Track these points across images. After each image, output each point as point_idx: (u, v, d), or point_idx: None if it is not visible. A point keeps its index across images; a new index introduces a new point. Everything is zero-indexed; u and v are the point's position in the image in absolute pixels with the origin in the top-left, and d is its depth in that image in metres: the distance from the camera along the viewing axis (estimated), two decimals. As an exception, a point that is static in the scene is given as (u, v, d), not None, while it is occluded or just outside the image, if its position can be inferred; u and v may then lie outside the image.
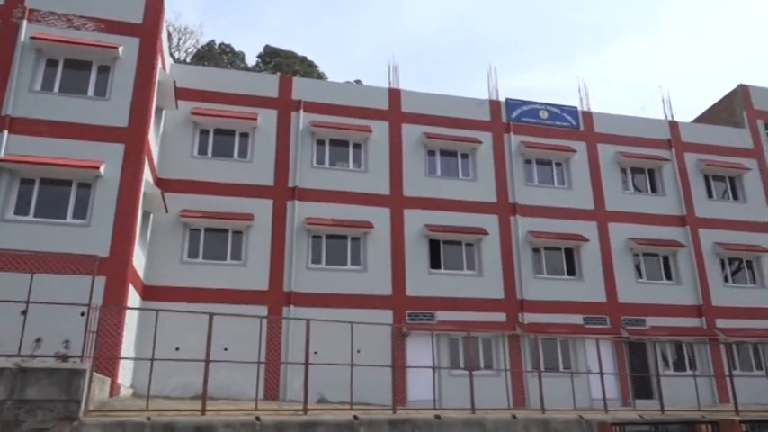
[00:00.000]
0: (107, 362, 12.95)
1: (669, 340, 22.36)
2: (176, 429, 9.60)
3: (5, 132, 15.53)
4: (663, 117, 26.78)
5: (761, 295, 24.37)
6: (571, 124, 25.07)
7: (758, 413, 15.68)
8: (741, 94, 28.06)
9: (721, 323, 23.22)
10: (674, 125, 26.48)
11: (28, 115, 15.96)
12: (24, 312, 10.16)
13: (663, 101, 27.61)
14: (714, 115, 29.29)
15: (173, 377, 15.04)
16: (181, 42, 42.28)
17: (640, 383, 21.40)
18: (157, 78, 18.00)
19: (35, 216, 15.29)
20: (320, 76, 42.69)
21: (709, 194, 25.71)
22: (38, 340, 11.19)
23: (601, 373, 15.85)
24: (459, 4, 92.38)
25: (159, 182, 19.19)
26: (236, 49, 45.00)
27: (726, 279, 24.44)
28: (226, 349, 14.77)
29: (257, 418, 10.28)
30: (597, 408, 16.28)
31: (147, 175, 17.12)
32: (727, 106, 28.81)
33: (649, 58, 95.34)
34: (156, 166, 19.26)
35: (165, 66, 20.11)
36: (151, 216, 18.66)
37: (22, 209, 15.28)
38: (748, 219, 25.46)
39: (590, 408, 16.93)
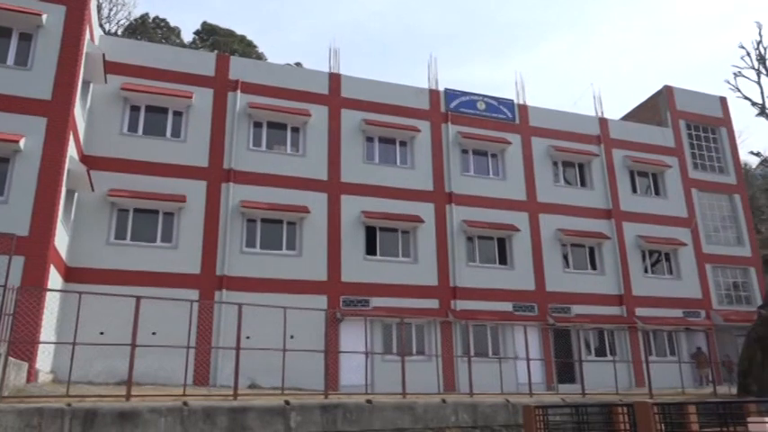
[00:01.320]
0: (24, 346, 12.30)
1: (592, 328, 23.44)
2: (99, 416, 9.26)
3: None
4: (593, 113, 27.80)
5: (677, 286, 25.88)
6: (507, 116, 25.63)
7: (670, 396, 16.70)
8: (666, 95, 29.49)
9: (640, 312, 24.52)
10: (603, 122, 27.54)
11: (-61, 82, 14.83)
12: (-69, 293, 9.51)
13: (594, 97, 28.72)
14: (640, 114, 30.69)
15: (96, 362, 14.49)
16: (112, 14, 40.30)
17: (564, 368, 22.34)
18: (85, 50, 17.08)
19: (-54, 191, 14.27)
20: (259, 57, 41.75)
21: (634, 189, 26.96)
22: (-53, 323, 10.47)
23: (527, 359, 16.47)
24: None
25: (85, 159, 18.30)
26: (172, 24, 43.34)
27: (645, 270, 25.78)
28: (154, 334, 14.38)
29: (185, 404, 10.05)
30: (523, 392, 16.88)
31: (71, 152, 16.29)
32: (652, 106, 30.23)
33: (581, 56, 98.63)
34: (82, 142, 18.34)
35: (94, 37, 19.11)
36: (76, 194, 17.78)
37: (-70, 183, 14.23)
38: (668, 213, 26.92)
39: (516, 392, 17.52)
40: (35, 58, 15.99)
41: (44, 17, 16.10)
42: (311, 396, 12.49)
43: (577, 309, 23.64)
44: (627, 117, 31.37)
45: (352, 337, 19.17)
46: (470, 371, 15.29)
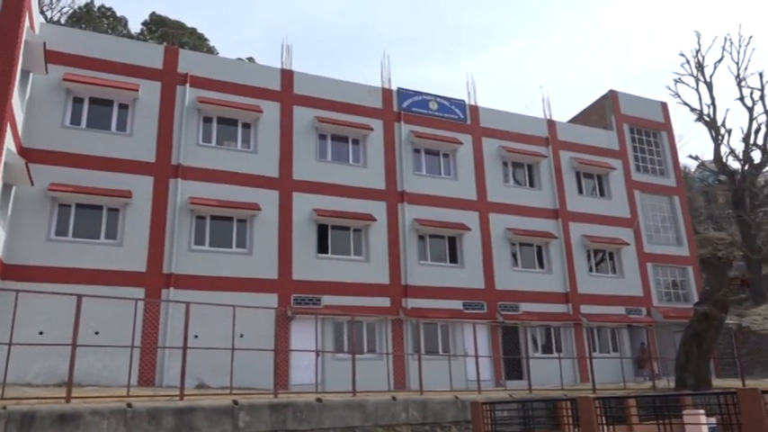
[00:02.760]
0: (-44, 347, 11.70)
1: (539, 325, 24.01)
2: (37, 419, 8.90)
3: None
4: (542, 116, 28.44)
5: (619, 284, 26.78)
6: (459, 117, 25.95)
7: (611, 390, 17.28)
8: (611, 99, 30.46)
9: (585, 309, 25.26)
10: (551, 124, 28.22)
11: None
12: None
13: (543, 100, 29.40)
14: (587, 117, 31.61)
15: (35, 363, 13.98)
16: (54, 1, 38.73)
17: (512, 365, 22.81)
18: (24, 37, 16.34)
19: None
20: (210, 51, 40.94)
21: (580, 190, 27.74)
22: None
23: (476, 356, 16.74)
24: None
25: (24, 152, 17.53)
26: (119, 14, 42.03)
27: (590, 269, 26.56)
28: (97, 333, 13.96)
29: (129, 405, 9.78)
30: (472, 389, 17.16)
31: (9, 144, 15.56)
32: (598, 109, 31.18)
33: (530, 60, 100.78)
34: (20, 134, 17.54)
35: (34, 25, 18.31)
36: (13, 189, 17.01)
37: None
38: (612, 214, 27.82)
39: (466, 389, 17.80)
40: (-30, 44, 15.20)
41: (-20, 2, 15.33)
42: (261, 395, 12.35)
43: (525, 306, 24.16)
44: (574, 120, 32.25)
45: (304, 335, 19.06)
46: (420, 368, 15.43)
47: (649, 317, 26.56)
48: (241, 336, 13.71)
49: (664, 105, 31.91)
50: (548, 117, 28.39)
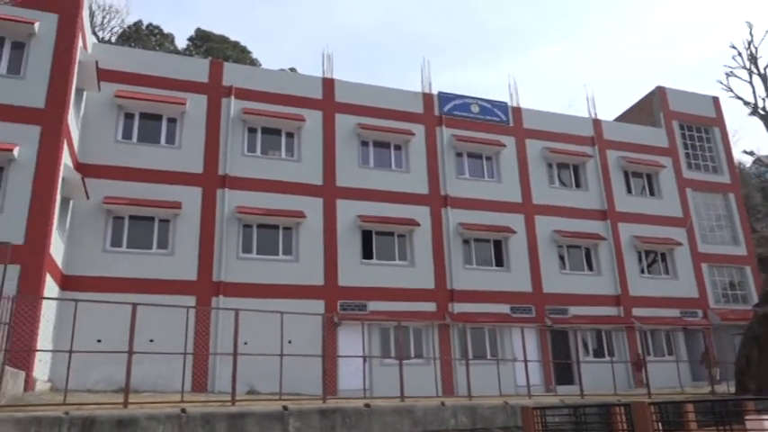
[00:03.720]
0: (21, 355, 12.26)
1: (590, 328, 23.47)
2: (96, 424, 9.22)
3: None
4: (587, 115, 27.89)
5: (673, 286, 25.94)
6: (501, 119, 25.70)
7: (667, 395, 16.73)
8: (659, 96, 29.64)
9: (637, 312, 24.56)
10: (597, 123, 27.64)
11: (-68, 92, 14.78)
12: (-73, 303, 9.47)
13: (587, 99, 28.88)
14: (634, 115, 30.83)
15: (94, 370, 14.46)
16: (105, 21, 40.29)
17: (562, 370, 22.36)
18: (78, 58, 17.08)
19: (-60, 201, 14.22)
20: (253, 63, 41.77)
21: (629, 190, 27.05)
22: (-58, 333, 10.44)
23: (525, 361, 16.47)
24: (389, 3, 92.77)
25: (80, 167, 18.26)
26: (166, 31, 43.28)
27: (642, 270, 25.83)
28: (152, 341, 14.34)
29: (183, 410, 10.02)
30: (521, 394, 16.89)
31: (66, 160, 16.26)
32: (645, 107, 30.37)
33: (573, 60, 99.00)
34: (76, 150, 18.30)
35: (87, 45, 19.11)
36: (71, 202, 17.74)
37: (-76, 193, 14.17)
38: (663, 214, 27.00)
39: (515, 394, 17.53)
40: (28, 66, 15.98)
41: (36, 25, 16.10)
42: (309, 401, 12.46)
43: (575, 310, 23.67)
44: (620, 118, 31.50)
45: (350, 341, 19.14)
46: (468, 373, 15.30)
47: (706, 319, 25.62)
48: (289, 342, 13.88)
49: (715, 100, 30.85)
50: (593, 116, 27.83)
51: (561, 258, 24.67)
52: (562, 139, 26.42)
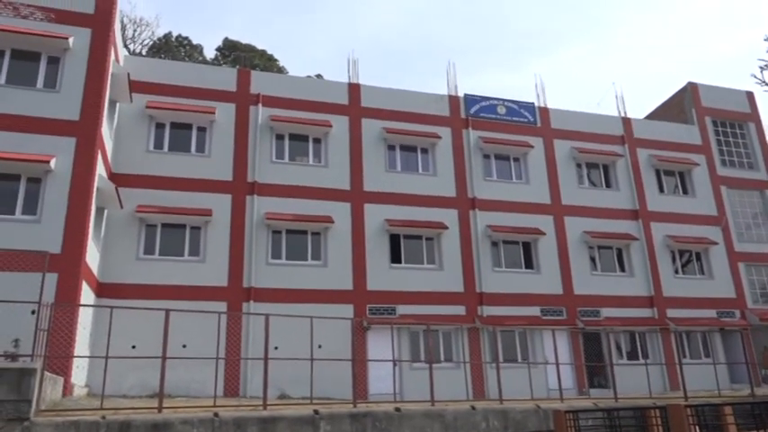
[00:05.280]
0: (59, 361, 12.60)
1: (623, 330, 23.07)
2: (132, 428, 9.43)
3: (-51, 125, 14.89)
4: (616, 114, 27.48)
5: (708, 286, 25.34)
6: (528, 120, 25.51)
7: (704, 398, 16.35)
8: (690, 92, 29.04)
9: (672, 313, 24.05)
10: (626, 121, 27.21)
11: (-27, 107, 15.32)
12: (-30, 311, 9.81)
13: (616, 98, 28.39)
14: (665, 112, 30.25)
15: (129, 375, 14.76)
16: (136, 34, 41.19)
17: (595, 373, 22.03)
18: (110, 70, 17.52)
19: (-19, 212, 14.71)
20: (280, 71, 42.24)
21: (661, 189, 26.55)
22: (-15, 340, 10.80)
23: (557, 364, 16.28)
24: (414, 8, 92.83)
25: (114, 176, 18.71)
26: (194, 42, 44.10)
27: (676, 271, 25.29)
28: (184, 346, 14.60)
29: (216, 415, 10.18)
30: (554, 397, 16.69)
31: (100, 170, 16.68)
32: (677, 103, 29.79)
33: (600, 60, 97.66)
34: (110, 160, 18.76)
35: (119, 57, 19.59)
36: (105, 212, 18.18)
37: (-33, 204, 14.69)
38: (697, 212, 26.42)
39: (547, 397, 17.33)
40: (63, 80, 16.44)
41: (71, 40, 16.57)
42: (340, 405, 12.53)
43: (607, 311, 23.31)
44: (651, 116, 30.95)
45: (380, 345, 19.18)
46: (499, 377, 15.18)
47: (743, 320, 24.96)
48: (319, 346, 13.98)
49: (749, 95, 30.09)
50: (622, 114, 27.41)
51: (592, 259, 24.32)
52: (591, 138, 26.09)
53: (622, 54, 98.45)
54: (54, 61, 16.65)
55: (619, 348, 23.15)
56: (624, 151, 26.33)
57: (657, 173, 26.80)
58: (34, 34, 16.29)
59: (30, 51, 16.50)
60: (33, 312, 10.43)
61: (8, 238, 13.84)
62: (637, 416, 11.78)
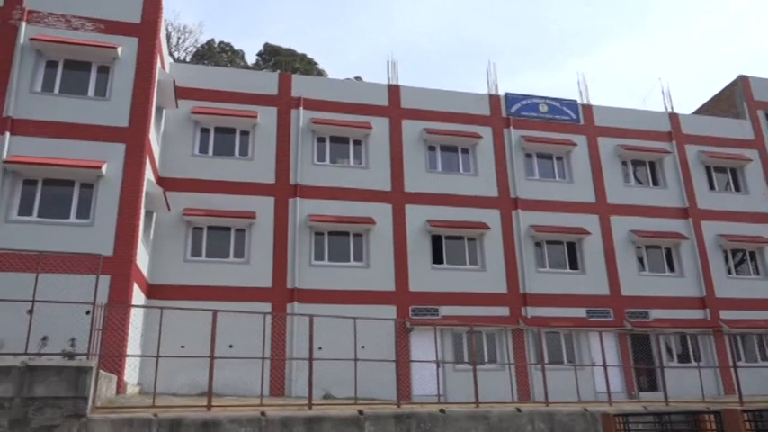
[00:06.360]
0: (113, 359, 13.01)
1: (673, 332, 22.38)
2: (183, 425, 9.65)
3: (7, 134, 15.56)
4: (663, 110, 26.74)
5: (764, 287, 24.36)
6: (571, 118, 25.06)
7: (761, 403, 15.72)
8: (742, 85, 28.02)
9: (725, 315, 23.22)
10: (674, 117, 26.45)
11: (29, 116, 15.99)
12: (30, 311, 10.21)
13: (663, 93, 27.63)
14: (714, 107, 29.27)
15: (179, 375, 15.11)
16: (180, 41, 42.31)
17: (645, 376, 21.46)
18: (157, 78, 18.02)
19: (39, 216, 15.33)
20: (320, 74, 42.68)
21: (711, 186, 25.69)
22: (44, 339, 11.23)
23: (604, 366, 15.91)
24: (450, 12, 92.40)
25: (161, 181, 19.23)
26: (236, 48, 45.01)
27: (729, 271, 24.42)
28: (231, 346, 14.84)
29: (263, 414, 10.33)
30: (602, 400, 16.33)
31: (148, 174, 17.16)
32: (727, 97, 28.78)
33: (643, 57, 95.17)
34: (157, 165, 19.30)
35: (165, 65, 20.13)
36: (154, 215, 18.70)
37: (25, 209, 15.32)
38: (750, 210, 25.45)
39: (595, 400, 16.97)
40: (112, 88, 16.99)
41: (119, 50, 17.11)
42: (384, 406, 12.55)
43: (656, 313, 22.68)
44: (699, 111, 30.00)
45: (423, 346, 19.12)
46: (545, 379, 14.95)
47: (803, 321, 23.89)
48: (362, 347, 14.02)
49: (805, 86, 28.80)
50: (669, 110, 26.66)
51: (640, 259, 23.71)
52: (637, 135, 25.47)
53: (666, 50, 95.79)
54: (104, 70, 17.23)
55: (669, 351, 22.49)
56: (672, 148, 25.60)
57: (707, 169, 25.95)
58: (85, 45, 16.90)
59: (81, 61, 17.12)
60: (88, 313, 10.79)
61: (64, 242, 14.37)
62: (690, 420, 11.42)
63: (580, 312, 21.96)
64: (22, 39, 16.58)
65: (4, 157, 15.28)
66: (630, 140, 25.22)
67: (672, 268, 24.00)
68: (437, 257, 21.55)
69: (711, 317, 23.08)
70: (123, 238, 15.36)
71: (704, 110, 29.79)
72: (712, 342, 22.69)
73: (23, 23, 16.75)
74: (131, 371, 15.26)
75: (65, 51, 16.92)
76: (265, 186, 20.67)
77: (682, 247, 24.05)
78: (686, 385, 18.32)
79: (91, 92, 16.96)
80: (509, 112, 24.38)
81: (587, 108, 25.49)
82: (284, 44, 45.84)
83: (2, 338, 11.69)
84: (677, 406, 14.47)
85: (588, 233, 23.02)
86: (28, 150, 15.54)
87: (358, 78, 40.29)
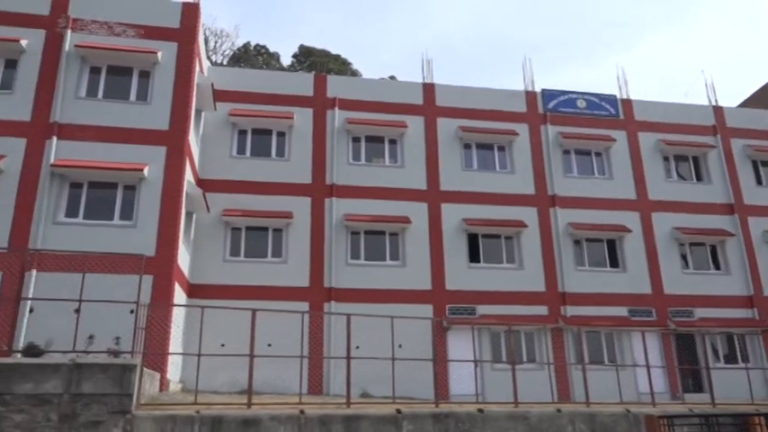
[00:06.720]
0: (156, 357, 13.32)
1: (719, 332, 21.72)
2: (224, 423, 9.81)
3: (54, 139, 16.10)
4: (706, 103, 25.97)
5: (816, 284, 23.41)
6: (610, 113, 24.56)
7: (816, 406, 15.10)
8: (790, 76, 26.99)
9: (774, 314, 22.42)
10: (718, 110, 25.65)
11: (75, 121, 16.51)
12: (78, 311, 10.52)
13: (706, 86, 26.80)
14: (760, 99, 28.28)
15: (219, 373, 15.32)
16: (217, 45, 43.03)
17: (690, 377, 20.89)
18: (196, 81, 18.37)
19: (84, 218, 15.82)
20: (354, 74, 42.85)
21: (758, 181, 24.83)
22: (91, 337, 11.54)
23: (647, 366, 15.52)
24: (483, 8, 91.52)
25: (201, 182, 19.60)
26: (271, 50, 45.57)
27: (778, 268, 23.55)
28: (269, 345, 15.00)
29: (302, 412, 10.41)
30: (645, 401, 15.94)
31: (188, 176, 17.51)
32: (775, 89, 27.76)
33: (684, 50, 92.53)
34: (197, 166, 19.67)
35: (203, 69, 20.50)
36: (194, 216, 19.07)
37: (72, 211, 15.84)
38: (801, 205, 24.49)
39: (637, 401, 16.58)
40: (153, 92, 17.41)
41: (159, 55, 17.51)
42: (422, 405, 12.51)
43: (701, 312, 22.03)
44: (745, 104, 29.07)
45: (460, 345, 19.02)
46: (585, 379, 14.66)
47: None
48: (399, 346, 14.01)
49: None
50: (713, 103, 25.86)
51: (683, 257, 23.08)
52: (679, 129, 24.79)
53: (709, 41, 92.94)
54: (145, 75, 17.67)
55: (715, 351, 21.83)
56: (716, 142, 24.85)
57: (754, 164, 25.09)
58: (127, 51, 17.36)
59: (123, 67, 17.60)
60: (132, 312, 11.05)
61: (108, 243, 14.78)
62: (738, 423, 11.07)
63: (621, 311, 21.51)
64: (67, 46, 17.13)
65: (52, 161, 15.81)
66: (673, 135, 24.57)
67: (717, 266, 23.29)
68: (474, 256, 21.40)
69: (760, 316, 22.31)
70: (165, 239, 15.72)
71: (750, 102, 28.87)
72: (760, 342, 21.92)
73: (68, 31, 17.30)
74: (173, 369, 15.59)
75: (107, 57, 17.40)
76: (302, 186, 20.86)
77: (727, 245, 23.32)
78: (733, 387, 17.75)
79: (133, 96, 17.40)
80: (546, 109, 24.03)
81: (627, 102, 24.94)
82: (318, 45, 46.15)
83: (51, 337, 12.08)
84: (725, 408, 14.02)
85: (629, 230, 22.52)
86: (74, 154, 16.06)
87: (392, 78, 40.30)
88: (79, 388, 9.23)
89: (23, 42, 16.83)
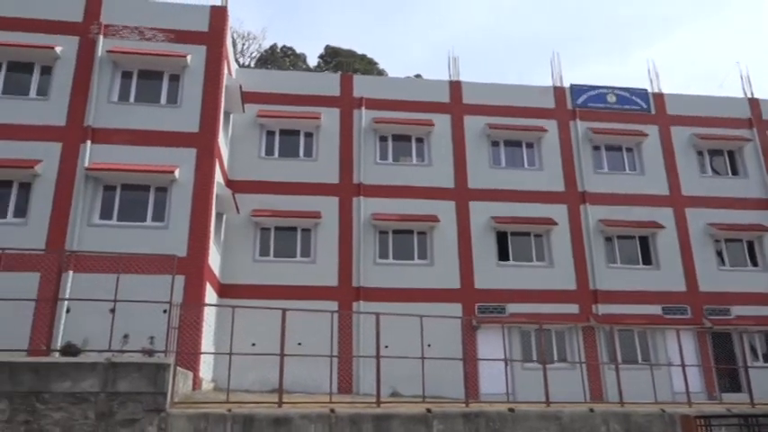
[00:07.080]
0: (189, 357, 13.52)
1: (758, 330, 21.15)
2: (255, 421, 9.93)
3: (88, 142, 16.47)
4: (742, 95, 25.29)
5: None
6: (641, 107, 24.09)
7: None
8: (830, 66, 26.11)
9: (816, 311, 21.72)
10: (754, 103, 24.96)
11: (107, 125, 16.85)
12: (113, 310, 10.75)
13: (741, 78, 26.08)
14: (800, 90, 27.39)
15: (250, 372, 15.50)
16: (245, 47, 43.44)
17: (727, 376, 20.38)
18: (224, 83, 18.59)
19: (118, 220, 16.16)
20: (380, 73, 42.85)
21: (798, 175, 24.10)
22: (125, 336, 11.79)
23: (683, 365, 15.22)
24: (506, 6, 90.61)
25: (230, 183, 19.83)
26: (298, 51, 45.82)
27: (819, 264, 22.83)
28: (299, 344, 15.11)
29: (332, 411, 10.48)
30: (680, 401, 15.62)
31: (218, 177, 17.73)
32: (814, 79, 26.88)
33: (717, 41, 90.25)
34: (226, 168, 19.92)
35: (231, 71, 20.73)
36: (224, 217, 19.31)
37: (106, 213, 16.19)
38: (843, 199, 23.69)
39: (672, 401, 16.26)
40: (183, 95, 17.67)
41: (189, 58, 17.76)
42: (452, 404, 12.47)
43: (738, 310, 21.48)
44: (783, 95, 28.17)
45: (490, 344, 18.89)
46: (619, 378, 14.42)
47: None
48: (428, 345, 13.98)
49: None
50: (749, 96, 25.17)
51: (719, 254, 22.53)
52: (713, 123, 24.19)
53: (743, 31, 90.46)
54: (175, 78, 17.93)
55: (753, 350, 21.26)
56: (753, 135, 24.18)
57: (793, 157, 24.34)
58: (157, 55, 17.64)
59: (154, 71, 17.88)
60: (165, 312, 11.24)
61: (141, 244, 15.04)
62: (779, 423, 10.76)
63: (655, 309, 21.10)
64: (99, 52, 17.49)
65: (87, 164, 16.18)
66: (707, 129, 24.00)
67: (755, 262, 22.69)
68: (503, 254, 21.22)
69: (800, 314, 21.64)
70: (196, 240, 15.95)
71: (788, 93, 27.97)
72: (802, 341, 21.27)
73: (101, 37, 17.65)
74: (206, 368, 15.81)
75: (139, 62, 17.72)
76: (330, 186, 20.95)
77: (765, 240, 22.69)
78: (773, 386, 17.27)
79: (163, 99, 17.69)
80: (575, 104, 23.69)
81: (659, 96, 24.44)
82: (344, 45, 46.25)
83: (87, 336, 12.36)
84: (764, 408, 13.66)
85: (662, 227, 22.08)
86: (107, 157, 16.40)
87: (418, 76, 40.18)
88: (115, 386, 9.43)
89: (58, 49, 17.24)
